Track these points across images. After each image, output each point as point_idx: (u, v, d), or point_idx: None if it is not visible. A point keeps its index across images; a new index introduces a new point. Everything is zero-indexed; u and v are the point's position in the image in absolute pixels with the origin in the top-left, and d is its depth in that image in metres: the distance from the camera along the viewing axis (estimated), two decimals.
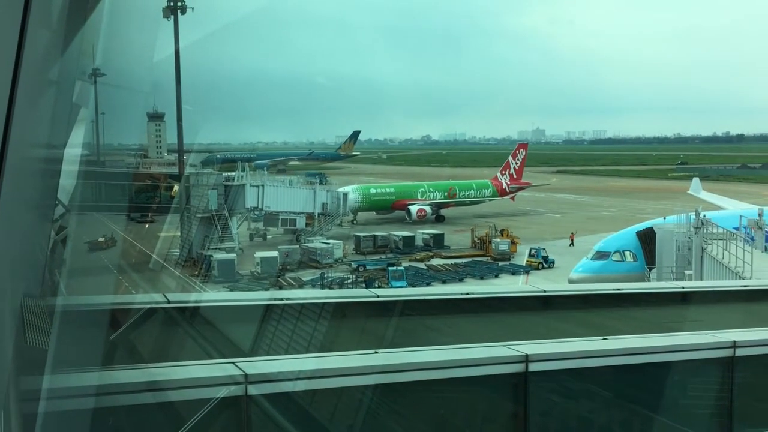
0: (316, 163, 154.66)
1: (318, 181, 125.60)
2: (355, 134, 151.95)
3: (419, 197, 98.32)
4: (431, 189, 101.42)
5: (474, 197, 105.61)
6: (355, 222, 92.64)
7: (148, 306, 11.94)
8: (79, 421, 7.14)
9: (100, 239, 51.00)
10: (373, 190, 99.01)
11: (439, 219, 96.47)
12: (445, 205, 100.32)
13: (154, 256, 55.18)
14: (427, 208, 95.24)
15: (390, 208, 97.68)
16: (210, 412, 7.84)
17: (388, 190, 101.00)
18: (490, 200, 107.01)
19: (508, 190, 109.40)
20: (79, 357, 8.14)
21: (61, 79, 5.79)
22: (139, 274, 46.81)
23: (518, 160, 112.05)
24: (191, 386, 8.17)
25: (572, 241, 75.28)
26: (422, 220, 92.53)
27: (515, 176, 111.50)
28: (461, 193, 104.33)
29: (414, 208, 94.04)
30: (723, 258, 38.30)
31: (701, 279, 39.36)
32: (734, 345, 11.03)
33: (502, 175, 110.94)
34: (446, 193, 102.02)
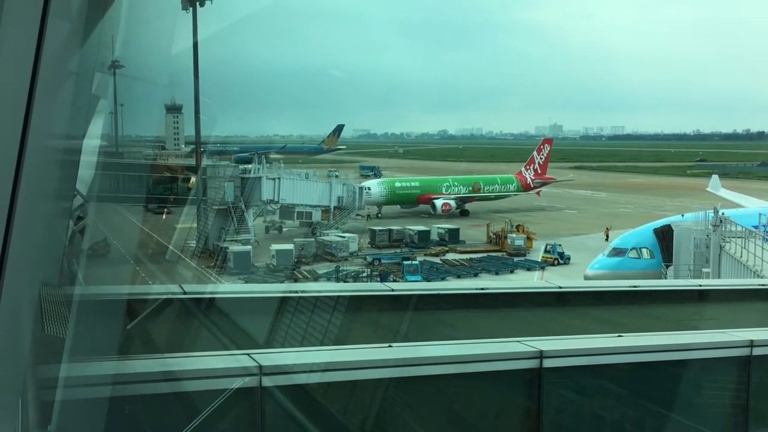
0: (302, 156, 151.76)
1: (372, 173, 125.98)
2: (339, 128, 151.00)
3: (444, 191, 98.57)
4: (456, 183, 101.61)
5: (498, 192, 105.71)
6: (380, 215, 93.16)
7: (165, 297, 12.02)
8: (95, 410, 7.22)
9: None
10: (398, 184, 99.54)
11: (464, 213, 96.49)
12: (470, 200, 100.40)
13: (170, 246, 55.61)
14: (452, 203, 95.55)
15: (415, 201, 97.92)
16: (224, 403, 7.89)
17: (413, 184, 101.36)
18: (515, 195, 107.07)
19: (532, 185, 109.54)
20: (95, 346, 8.22)
21: (80, 71, 5.83)
22: (156, 265, 47.17)
23: (543, 155, 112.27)
24: (206, 377, 8.23)
25: (607, 236, 74.21)
26: (447, 214, 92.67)
27: (540, 171, 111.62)
28: (486, 188, 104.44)
29: (439, 202, 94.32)
30: (741, 256, 37.97)
31: (719, 277, 39.04)
32: (751, 344, 10.93)
33: (527, 170, 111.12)
34: (471, 188, 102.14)
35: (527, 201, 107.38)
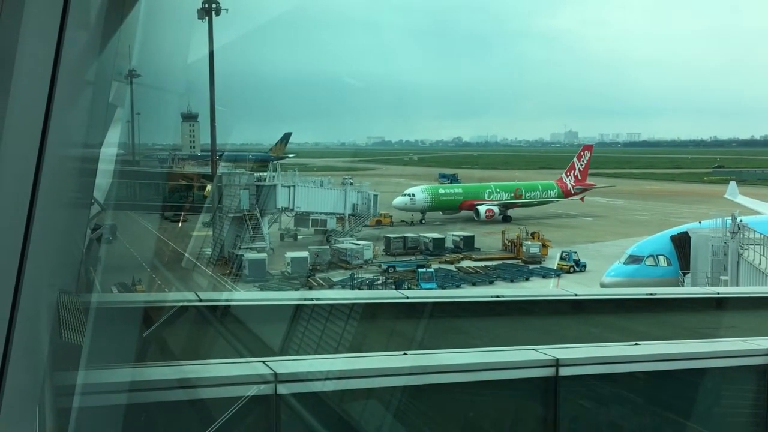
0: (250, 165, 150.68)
1: (449, 181, 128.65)
2: (287, 136, 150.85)
3: (486, 198, 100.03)
4: (498, 190, 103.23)
5: (540, 198, 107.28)
6: (423, 221, 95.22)
7: (180, 304, 12.07)
8: (111, 416, 7.26)
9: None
10: (441, 191, 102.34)
11: (506, 219, 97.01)
12: (512, 206, 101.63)
13: (186, 254, 55.91)
14: (495, 209, 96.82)
15: (457, 208, 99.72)
16: (240, 411, 7.90)
17: (456, 191, 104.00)
18: (556, 201, 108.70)
19: (572, 192, 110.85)
20: (112, 353, 8.27)
21: (98, 80, 5.88)
22: (172, 272, 47.41)
23: (583, 161, 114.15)
24: (222, 384, 8.25)
25: None
26: (490, 220, 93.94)
27: (580, 178, 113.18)
28: (527, 194, 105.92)
29: (482, 209, 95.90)
30: (760, 264, 37.62)
31: (737, 285, 38.68)
32: None
33: (567, 176, 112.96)
34: (512, 194, 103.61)
35: (543, 209, 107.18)
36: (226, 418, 7.83)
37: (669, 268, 48.32)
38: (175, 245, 59.72)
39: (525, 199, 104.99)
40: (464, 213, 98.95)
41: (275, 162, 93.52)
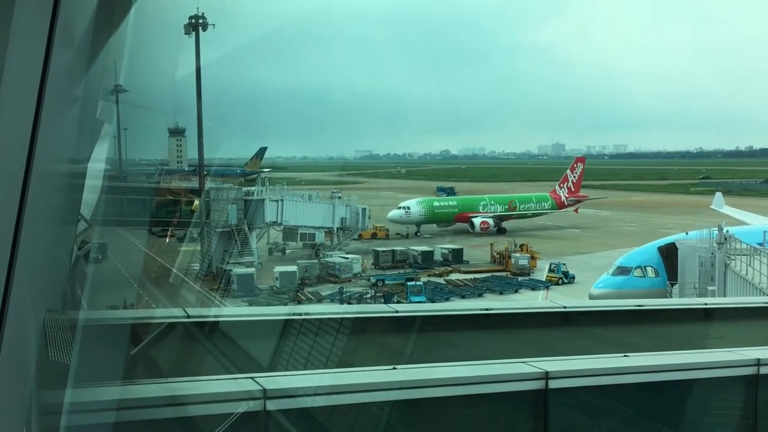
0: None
1: (446, 194, 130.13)
2: (261, 151, 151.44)
3: (481, 210, 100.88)
4: (492, 202, 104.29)
5: (534, 210, 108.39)
6: (418, 234, 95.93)
7: (168, 320, 11.99)
8: None
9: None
10: (436, 203, 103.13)
11: (501, 231, 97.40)
12: (506, 218, 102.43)
13: (174, 270, 55.60)
14: (490, 221, 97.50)
15: (452, 220, 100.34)
16: (229, 428, 7.84)
17: (450, 203, 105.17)
18: (550, 212, 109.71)
19: (566, 203, 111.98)
20: (100, 371, 8.19)
21: (85, 96, 5.87)
22: (160, 288, 47.12)
23: (576, 173, 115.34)
24: (211, 401, 8.19)
25: None
26: (485, 232, 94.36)
27: (573, 189, 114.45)
28: (521, 206, 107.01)
29: (477, 221, 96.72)
30: (747, 274, 37.87)
31: (724, 295, 38.87)
32: (758, 363, 10.85)
33: (560, 188, 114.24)
34: (507, 206, 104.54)
35: (532, 221, 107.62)
36: None
37: (657, 279, 48.54)
38: (162, 260, 59.41)
39: (519, 211, 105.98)
40: (458, 225, 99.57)
41: (264, 176, 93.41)
